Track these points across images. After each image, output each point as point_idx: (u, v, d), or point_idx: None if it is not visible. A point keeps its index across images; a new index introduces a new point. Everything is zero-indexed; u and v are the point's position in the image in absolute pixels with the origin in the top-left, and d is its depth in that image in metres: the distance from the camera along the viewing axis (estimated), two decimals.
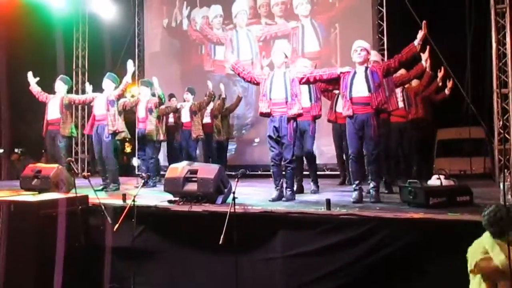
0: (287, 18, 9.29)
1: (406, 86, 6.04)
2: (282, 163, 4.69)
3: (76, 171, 4.37)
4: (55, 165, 5.42)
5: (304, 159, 5.66)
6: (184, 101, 7.69)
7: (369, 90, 4.36)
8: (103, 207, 4.19)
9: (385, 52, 8.30)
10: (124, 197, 4.57)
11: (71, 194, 4.33)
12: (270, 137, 4.70)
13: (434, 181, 4.26)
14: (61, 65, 9.96)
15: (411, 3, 7.61)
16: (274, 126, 4.65)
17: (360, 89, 4.41)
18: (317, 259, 3.64)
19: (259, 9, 9.56)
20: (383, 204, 4.25)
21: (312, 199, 4.85)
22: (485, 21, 6.99)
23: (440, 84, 6.78)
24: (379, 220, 3.58)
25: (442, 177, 4.14)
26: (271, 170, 4.84)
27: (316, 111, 5.42)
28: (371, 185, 4.48)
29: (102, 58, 10.69)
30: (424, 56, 5.27)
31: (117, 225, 3.94)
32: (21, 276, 3.80)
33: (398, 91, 5.80)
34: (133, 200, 4.13)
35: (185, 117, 7.54)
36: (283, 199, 4.65)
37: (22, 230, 3.86)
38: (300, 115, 4.66)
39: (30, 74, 6.56)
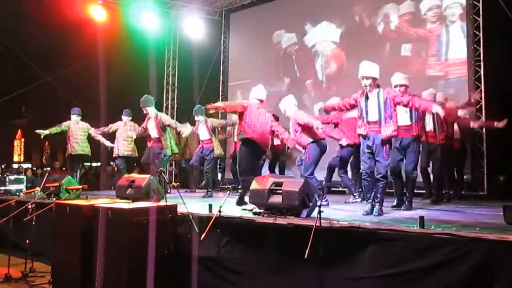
0: None
1: None
2: (376, 176, 4.62)
3: (167, 181, 4.53)
4: (147, 176, 5.69)
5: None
6: None
7: None
8: (190, 216, 4.31)
9: (481, 64, 7.77)
10: (210, 207, 4.66)
11: (161, 203, 4.51)
12: (363, 151, 4.69)
13: None
14: (153, 83, 10.60)
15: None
16: (368, 144, 4.64)
17: None
18: (410, 281, 3.40)
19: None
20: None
21: (403, 216, 4.61)
22: None
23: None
24: (479, 241, 3.25)
25: None
26: (362, 184, 4.81)
27: (416, 130, 5.31)
28: None
29: (191, 75, 11.20)
30: (462, 112, 5.76)
31: (203, 235, 4.02)
32: (115, 278, 4.00)
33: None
34: (219, 211, 4.21)
35: None
36: (374, 213, 4.53)
37: (117, 235, 4.08)
38: (394, 136, 4.65)
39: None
